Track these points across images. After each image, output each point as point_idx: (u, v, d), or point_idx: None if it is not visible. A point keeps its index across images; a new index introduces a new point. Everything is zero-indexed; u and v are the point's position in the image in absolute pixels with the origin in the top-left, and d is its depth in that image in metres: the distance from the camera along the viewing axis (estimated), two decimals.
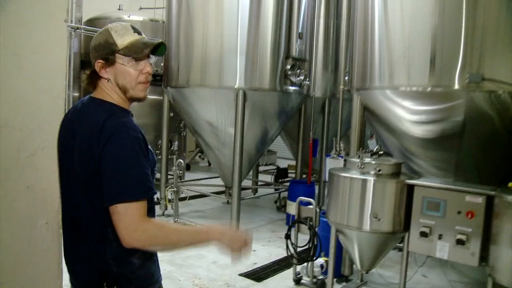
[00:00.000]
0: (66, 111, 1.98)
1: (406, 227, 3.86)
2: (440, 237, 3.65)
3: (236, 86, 6.48)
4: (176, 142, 9.61)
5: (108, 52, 1.91)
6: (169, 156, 7.90)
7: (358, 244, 4.05)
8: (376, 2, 4.67)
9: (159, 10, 9.24)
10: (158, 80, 8.39)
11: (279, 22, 6.66)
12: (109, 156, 1.79)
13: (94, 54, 1.95)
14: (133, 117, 2.03)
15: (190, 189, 7.81)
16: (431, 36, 4.16)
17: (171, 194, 7.08)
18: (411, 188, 3.82)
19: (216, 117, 6.89)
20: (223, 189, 8.25)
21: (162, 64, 7.63)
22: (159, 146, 8.27)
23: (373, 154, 4.02)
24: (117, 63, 1.92)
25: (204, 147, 7.65)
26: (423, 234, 3.71)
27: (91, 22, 9.29)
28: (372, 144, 7.09)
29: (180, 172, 7.39)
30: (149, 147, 1.95)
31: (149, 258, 2.00)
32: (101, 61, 1.92)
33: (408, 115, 4.48)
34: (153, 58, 2.03)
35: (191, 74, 6.83)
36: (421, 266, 4.63)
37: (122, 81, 1.94)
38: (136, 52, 1.92)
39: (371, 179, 3.85)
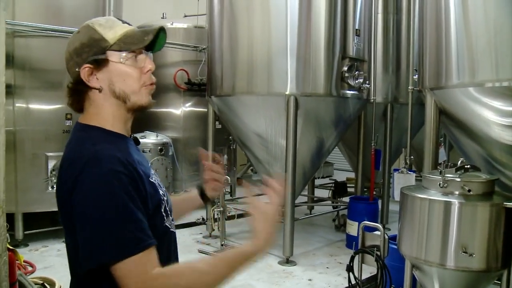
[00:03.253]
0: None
1: (506, 263, 2.98)
2: None
3: (287, 92, 5.74)
4: (225, 156, 9.01)
5: (97, 51, 1.49)
6: None
7: (440, 283, 3.18)
8: None
9: (203, 16, 8.75)
10: (203, 90, 7.85)
11: (333, 18, 5.87)
12: (78, 204, 1.36)
13: (75, 61, 1.51)
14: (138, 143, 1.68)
15: (238, 207, 7.10)
16: None
17: (217, 213, 6.41)
18: (511, 213, 2.93)
19: (265, 127, 6.18)
20: None
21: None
22: None
23: (457, 168, 3.16)
24: (110, 64, 1.49)
25: (253, 161, 6.97)
26: None
27: None
28: (441, 154, 6.22)
29: (227, 190, 6.73)
30: (153, 178, 1.56)
31: None
32: (88, 65, 1.48)
33: (499, 118, 3.58)
34: (150, 55, 1.61)
35: (237, 81, 6.16)
36: None
37: (120, 87, 1.51)
38: (134, 42, 1.51)
39: (456, 202, 3.00)
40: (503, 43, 3.47)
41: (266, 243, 1.50)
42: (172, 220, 1.66)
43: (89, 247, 1.34)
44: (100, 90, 1.51)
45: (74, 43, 1.52)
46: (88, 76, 1.50)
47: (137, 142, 1.69)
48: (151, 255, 1.37)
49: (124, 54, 1.51)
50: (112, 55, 1.50)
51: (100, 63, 1.49)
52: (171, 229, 1.62)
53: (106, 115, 1.53)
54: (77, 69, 1.50)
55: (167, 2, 11.32)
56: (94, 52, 1.49)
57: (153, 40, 1.54)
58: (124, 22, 1.57)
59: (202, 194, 2.02)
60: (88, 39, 1.50)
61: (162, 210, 1.55)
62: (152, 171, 1.63)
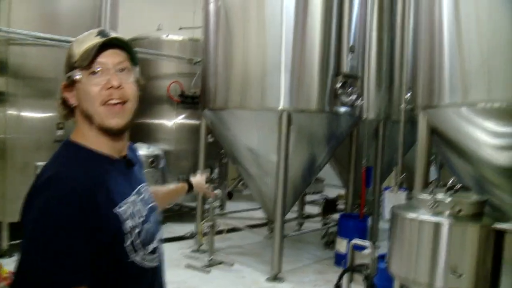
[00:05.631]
0: None
1: (494, 284, 2.96)
2: None
3: (280, 108, 5.75)
4: (217, 170, 8.99)
5: (69, 68, 1.44)
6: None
7: None
8: (444, 7, 3.89)
9: (199, 29, 8.76)
10: (197, 103, 7.84)
11: (328, 34, 5.90)
12: (25, 223, 1.31)
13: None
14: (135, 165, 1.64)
15: (228, 222, 7.06)
16: None
17: (207, 227, 6.35)
18: (500, 234, 2.93)
19: (258, 142, 6.17)
20: (265, 221, 7.52)
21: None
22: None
23: (448, 188, 3.16)
24: (77, 82, 1.42)
25: (245, 175, 6.94)
26: None
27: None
28: (432, 172, 6.22)
29: (217, 204, 6.70)
30: (123, 207, 1.43)
31: None
32: (64, 82, 1.45)
33: (490, 139, 3.59)
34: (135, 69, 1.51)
35: (230, 95, 6.16)
36: None
37: (84, 105, 1.43)
38: (85, 59, 1.40)
39: (445, 222, 2.99)
40: (496, 63, 3.50)
41: None
42: (154, 252, 1.53)
43: (16, 274, 1.29)
44: (76, 107, 1.46)
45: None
46: (63, 92, 1.46)
47: (129, 164, 1.59)
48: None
49: (82, 72, 1.41)
50: (75, 72, 1.42)
51: (72, 80, 1.43)
52: (147, 263, 1.48)
53: (87, 134, 1.46)
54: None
55: (163, 13, 11.31)
56: (68, 69, 1.45)
57: (102, 51, 1.42)
58: (102, 34, 1.45)
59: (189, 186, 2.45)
60: (67, 55, 1.46)
61: (128, 243, 1.41)
62: (132, 199, 1.50)
